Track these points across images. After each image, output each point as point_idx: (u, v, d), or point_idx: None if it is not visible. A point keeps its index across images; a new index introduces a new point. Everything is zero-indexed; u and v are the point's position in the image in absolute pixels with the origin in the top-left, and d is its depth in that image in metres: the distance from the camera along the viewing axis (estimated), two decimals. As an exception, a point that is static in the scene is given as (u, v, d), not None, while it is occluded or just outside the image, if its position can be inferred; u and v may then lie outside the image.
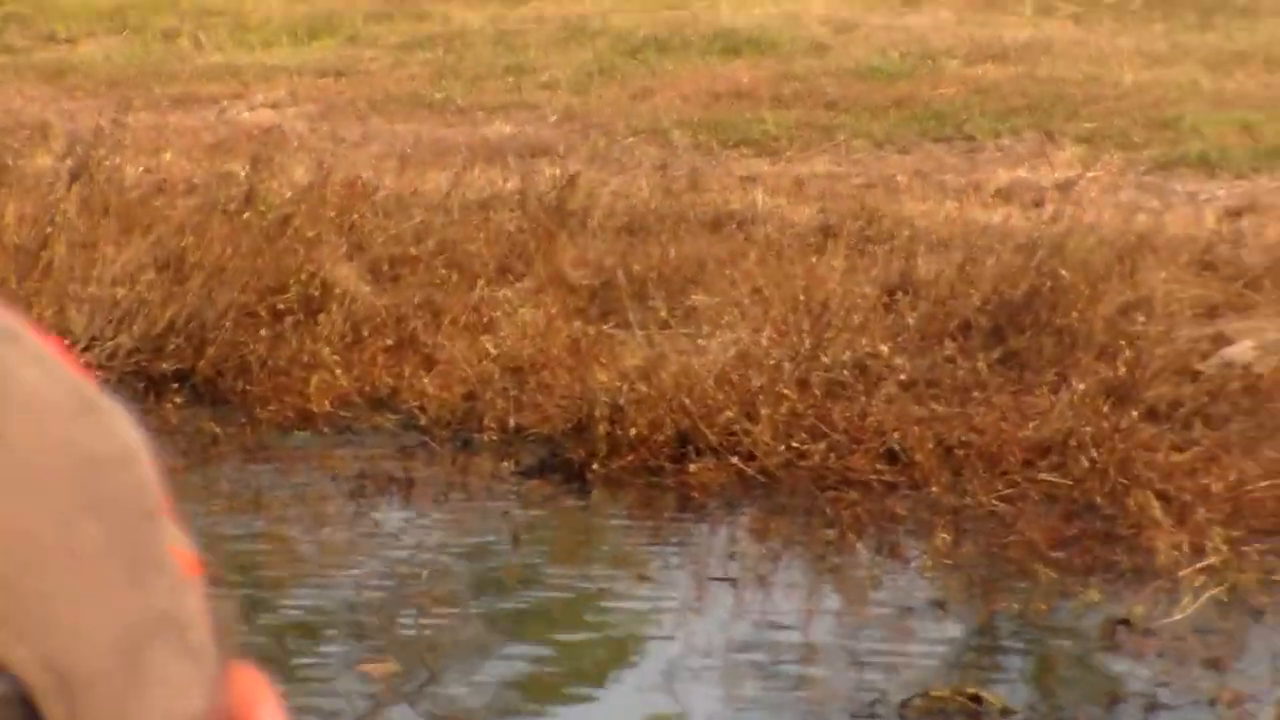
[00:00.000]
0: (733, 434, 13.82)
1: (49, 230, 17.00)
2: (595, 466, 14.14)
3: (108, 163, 18.44)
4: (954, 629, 12.77)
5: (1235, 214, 17.82)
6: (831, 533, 13.22)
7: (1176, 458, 13.35)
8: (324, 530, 15.06)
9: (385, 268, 16.77)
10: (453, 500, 14.73)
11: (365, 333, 15.57)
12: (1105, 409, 13.56)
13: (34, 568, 0.66)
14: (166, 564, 0.71)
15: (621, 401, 14.22)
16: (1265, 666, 11.39)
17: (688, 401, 14.08)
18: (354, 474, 14.77)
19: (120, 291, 16.18)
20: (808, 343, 14.15)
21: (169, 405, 15.19)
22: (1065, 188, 18.08)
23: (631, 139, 21.02)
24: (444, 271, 16.38)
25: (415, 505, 14.58)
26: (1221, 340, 14.70)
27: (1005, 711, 11.23)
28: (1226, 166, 19.14)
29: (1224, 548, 11.87)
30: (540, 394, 15.03)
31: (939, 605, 12.39)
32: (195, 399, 15.56)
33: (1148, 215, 17.52)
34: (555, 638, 13.89)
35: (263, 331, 15.69)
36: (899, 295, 15.33)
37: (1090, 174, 18.57)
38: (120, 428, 0.72)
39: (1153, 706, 11.37)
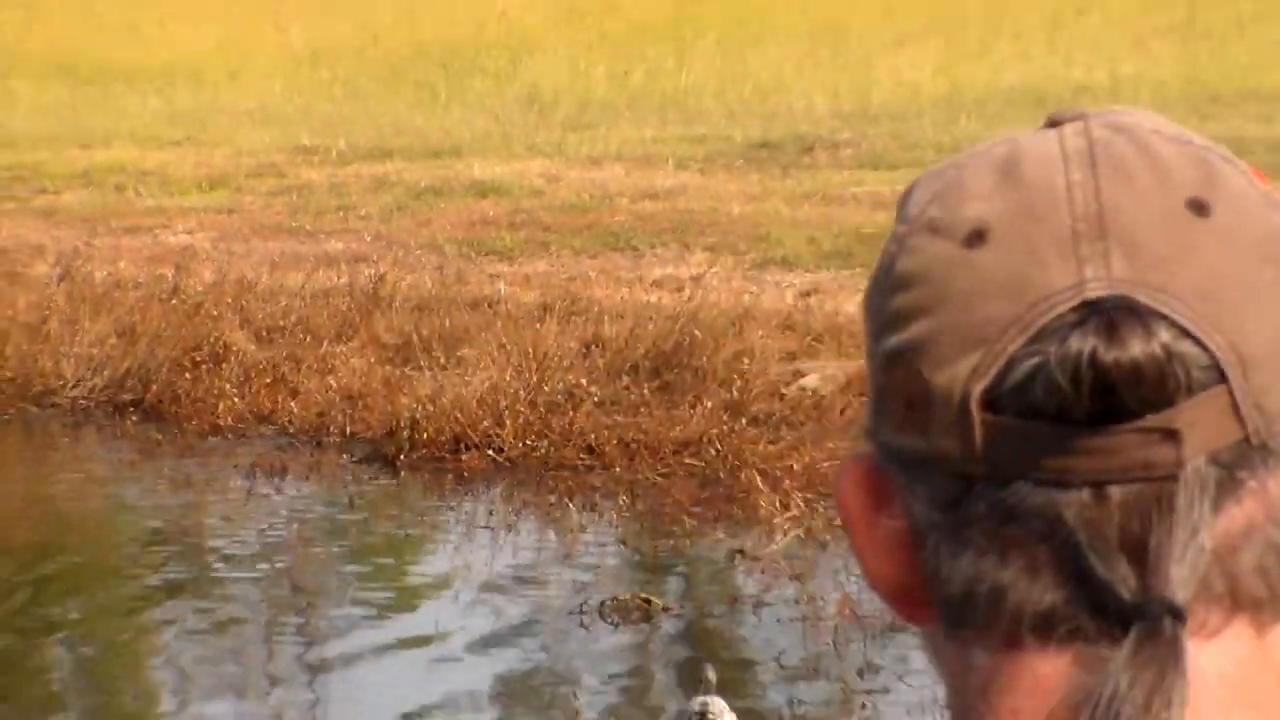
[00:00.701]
0: (489, 436, 20.39)
1: (46, 312, 25.07)
2: (402, 458, 20.75)
3: (84, 269, 27.12)
4: (633, 557, 18.48)
5: (806, 294, 24.97)
6: (553, 498, 19.28)
7: (771, 448, 19.29)
8: (230, 500, 20.81)
9: (264, 334, 24.19)
10: (311, 480, 21.02)
11: (252, 375, 22.93)
12: (725, 418, 19.99)
13: (1228, 289, 1.29)
14: None
15: (418, 416, 21.00)
16: (829, 580, 16.46)
17: (459, 415, 20.75)
18: (248, 464, 21.15)
19: (94, 351, 23.82)
20: (534, 378, 21.00)
21: (128, 422, 22.86)
22: (697, 280, 24.80)
23: (419, 251, 27.57)
24: (301, 336, 23.55)
25: (288, 484, 20.84)
26: (798, 374, 21.50)
27: (666, 609, 16.46)
28: (800, 264, 26.31)
29: (802, 504, 17.50)
30: (365, 412, 21.59)
31: (622, 541, 18.67)
32: (145, 418, 22.85)
33: (750, 296, 24.28)
34: (379, 564, 19.69)
35: (187, 375, 23.01)
36: (592, 348, 22.45)
37: (713, 270, 25.49)
38: None
39: (759, 605, 16.59)
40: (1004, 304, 1.35)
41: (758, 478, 18.19)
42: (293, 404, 22.00)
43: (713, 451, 19.48)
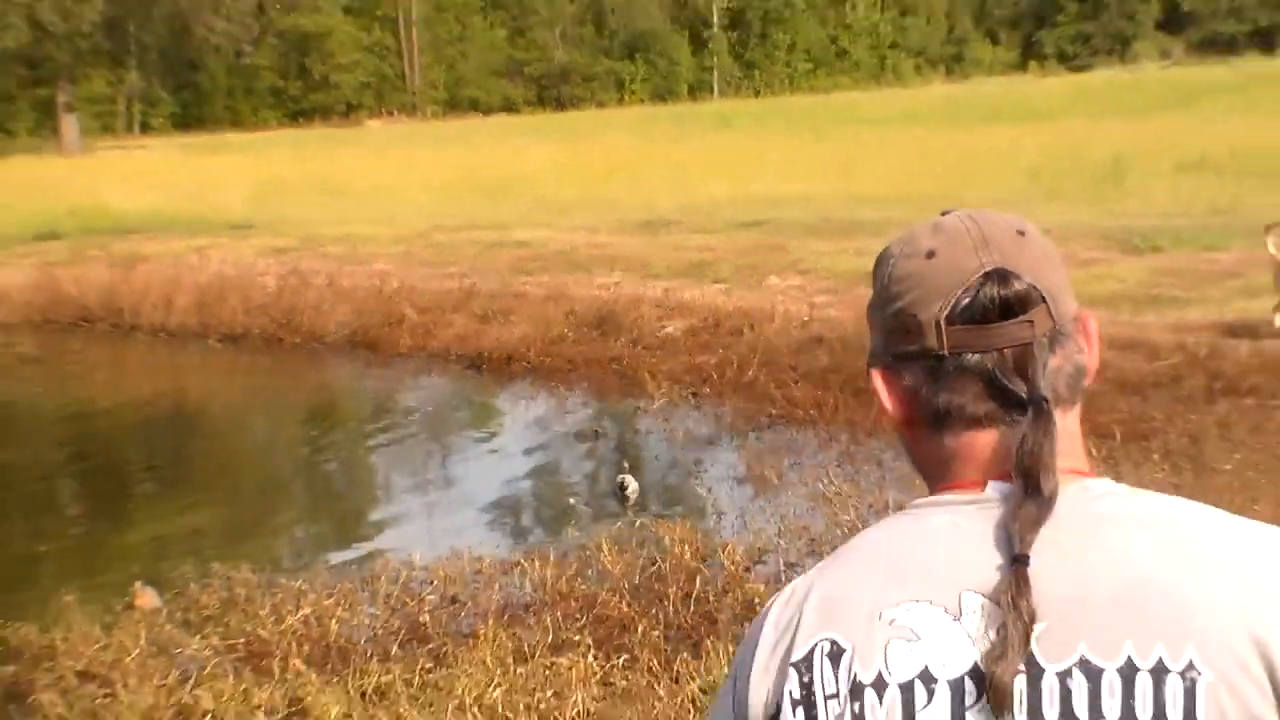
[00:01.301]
0: (524, 354, 28.11)
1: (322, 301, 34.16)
2: (483, 366, 28.69)
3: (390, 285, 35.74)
4: (592, 411, 25.44)
5: (666, 290, 31.74)
6: (554, 385, 27.08)
7: (652, 360, 26.05)
8: (401, 383, 29.65)
9: (421, 309, 32.38)
10: (436, 374, 29.55)
11: (415, 329, 31.59)
12: (630, 347, 27.69)
13: (1037, 266, 2.91)
14: None
15: (490, 346, 29.09)
16: (683, 421, 22.70)
17: (510, 344, 28.86)
18: (416, 369, 29.68)
19: (343, 317, 33.17)
20: (545, 328, 29.13)
21: (358, 352, 31.60)
22: (617, 285, 33.14)
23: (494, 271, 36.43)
24: (436, 311, 32.06)
25: (432, 378, 29.54)
26: (664, 326, 28.06)
27: (602, 433, 23.57)
28: (663, 277, 33.79)
29: (666, 385, 24.66)
30: (463, 345, 29.85)
31: (585, 404, 25.81)
32: (364, 349, 31.36)
33: (640, 290, 32.57)
34: (475, 413, 27.54)
35: (386, 329, 32.07)
36: (569, 314, 30.20)
37: (621, 280, 34.05)
38: None
39: (650, 432, 23.24)
40: (950, 278, 2.96)
41: (647, 374, 25.70)
42: (433, 341, 30.16)
43: (625, 361, 27.06)
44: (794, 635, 2.90)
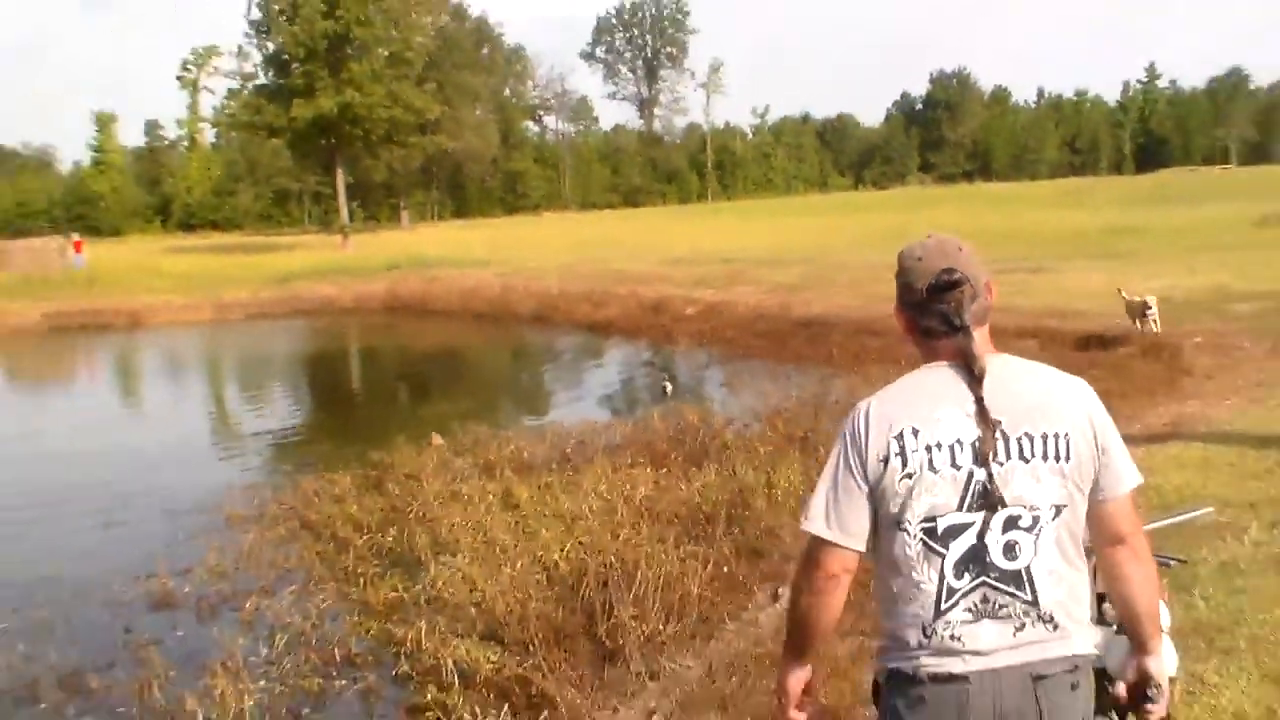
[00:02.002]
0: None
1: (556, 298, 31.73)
2: (599, 328, 27.41)
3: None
4: (645, 353, 24.47)
5: (697, 284, 29.49)
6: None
7: (676, 324, 26.93)
8: (574, 343, 28.00)
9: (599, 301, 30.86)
10: (580, 333, 27.63)
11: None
12: (662, 320, 27.90)
13: (970, 267, 3.19)
14: None
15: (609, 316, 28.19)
16: (693, 362, 24.77)
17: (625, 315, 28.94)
18: (605, 327, 28.68)
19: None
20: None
21: (583, 327, 30.23)
22: (662, 280, 31.79)
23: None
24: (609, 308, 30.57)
25: (599, 339, 27.79)
26: (690, 305, 28.11)
27: (654, 362, 22.97)
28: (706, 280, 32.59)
29: (689, 337, 24.67)
30: (623, 322, 28.50)
31: (638, 348, 27.20)
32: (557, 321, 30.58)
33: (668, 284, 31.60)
34: (578, 356, 25.83)
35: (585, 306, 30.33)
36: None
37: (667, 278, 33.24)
38: None
39: (674, 359, 23.57)
40: (928, 271, 3.19)
41: (677, 334, 25.11)
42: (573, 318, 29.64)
43: (666, 327, 25.98)
44: (887, 424, 3.13)
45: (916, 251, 3.24)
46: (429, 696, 6.95)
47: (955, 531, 3.08)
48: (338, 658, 7.78)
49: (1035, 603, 3.08)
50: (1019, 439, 3.09)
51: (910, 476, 3.08)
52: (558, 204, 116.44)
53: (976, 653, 3.06)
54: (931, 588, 3.09)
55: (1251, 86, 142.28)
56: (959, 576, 3.08)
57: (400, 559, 9.54)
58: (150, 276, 42.64)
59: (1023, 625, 3.08)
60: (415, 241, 59.61)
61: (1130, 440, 9.29)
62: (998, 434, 3.08)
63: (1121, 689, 4.75)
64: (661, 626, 7.49)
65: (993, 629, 3.07)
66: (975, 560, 3.07)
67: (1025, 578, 3.08)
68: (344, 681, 7.48)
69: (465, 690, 6.90)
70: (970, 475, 3.07)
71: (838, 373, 17.45)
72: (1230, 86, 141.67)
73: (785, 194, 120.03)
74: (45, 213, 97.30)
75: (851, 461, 3.14)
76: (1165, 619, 4.74)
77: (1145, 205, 46.59)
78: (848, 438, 3.15)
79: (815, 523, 3.14)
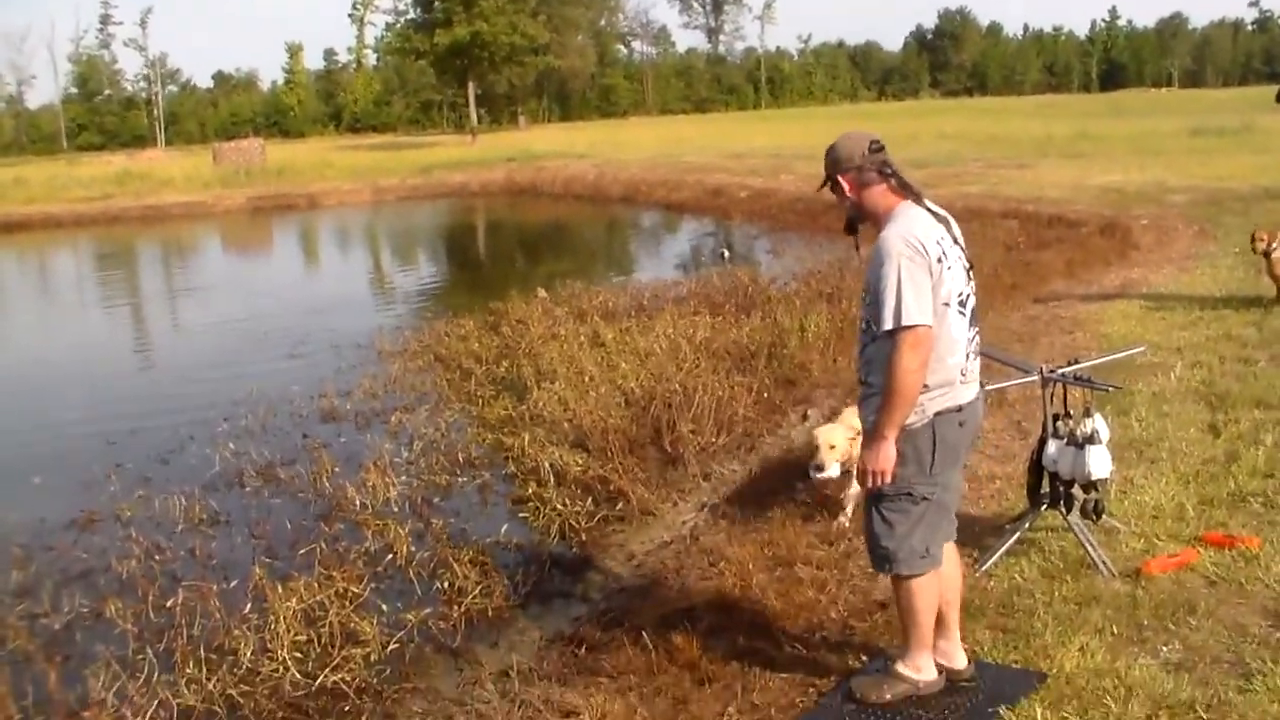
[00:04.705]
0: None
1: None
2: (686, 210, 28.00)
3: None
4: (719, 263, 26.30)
5: None
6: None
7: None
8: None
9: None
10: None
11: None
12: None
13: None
14: None
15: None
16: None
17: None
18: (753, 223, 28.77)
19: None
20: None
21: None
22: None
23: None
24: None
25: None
26: None
27: (724, 253, 25.62)
28: None
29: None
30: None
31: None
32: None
33: None
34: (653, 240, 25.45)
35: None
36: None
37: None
38: None
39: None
40: (859, 143, 3.69)
41: (734, 211, 24.41)
42: (653, 198, 29.06)
43: (725, 207, 25.13)
44: (925, 240, 3.54)
45: (844, 139, 3.71)
46: (530, 490, 7.01)
47: (965, 299, 3.60)
48: (461, 460, 7.86)
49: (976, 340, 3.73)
50: (959, 245, 3.67)
51: (944, 267, 3.51)
52: (641, 111, 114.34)
53: (971, 384, 3.66)
54: (963, 340, 3.58)
55: (1190, 27, 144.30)
56: (969, 329, 3.62)
57: (510, 385, 9.60)
58: (324, 168, 42.94)
59: (975, 359, 3.70)
60: (528, 140, 59.26)
61: (1087, 298, 10.34)
62: (956, 241, 3.67)
63: (1077, 490, 4.86)
64: (714, 439, 7.57)
65: (975, 364, 3.70)
66: (971, 317, 3.63)
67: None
68: (465, 479, 7.55)
69: (558, 486, 6.95)
70: (959, 262, 3.60)
71: (860, 243, 17.23)
72: (1174, 26, 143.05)
73: (823, 104, 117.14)
74: (250, 121, 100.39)
75: (920, 266, 3.45)
76: (1104, 433, 4.84)
77: (1105, 117, 45.91)
78: (913, 254, 3.46)
79: (918, 315, 3.40)
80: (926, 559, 3.72)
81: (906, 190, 3.64)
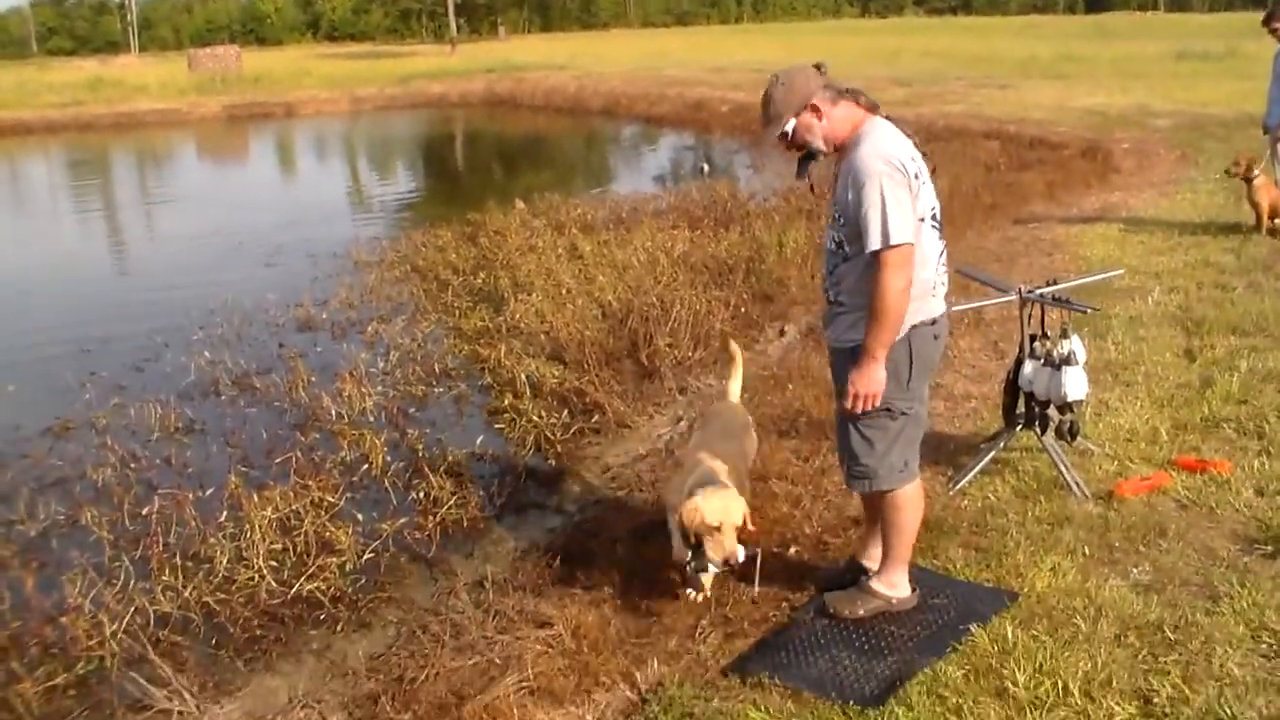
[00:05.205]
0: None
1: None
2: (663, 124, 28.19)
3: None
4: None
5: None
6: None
7: None
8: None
9: None
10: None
11: None
12: None
13: None
14: None
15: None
16: None
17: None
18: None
19: None
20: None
21: None
22: None
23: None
24: None
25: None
26: None
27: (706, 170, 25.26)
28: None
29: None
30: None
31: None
32: None
33: None
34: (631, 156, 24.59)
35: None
36: None
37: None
38: None
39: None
40: (809, 71, 3.62)
41: (715, 127, 24.89)
42: (633, 111, 29.17)
43: (706, 121, 25.08)
44: (904, 156, 3.50)
45: (788, 78, 3.63)
46: (506, 402, 6.99)
47: (936, 213, 3.58)
48: (437, 371, 7.84)
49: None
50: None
51: (921, 183, 3.49)
52: (623, 22, 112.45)
53: (940, 296, 3.65)
54: (934, 254, 3.56)
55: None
56: (939, 242, 3.61)
57: (487, 296, 9.54)
58: (302, 77, 42.52)
59: (945, 270, 3.70)
60: (508, 50, 58.66)
61: (1066, 221, 10.12)
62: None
63: (1053, 411, 4.85)
64: (690, 353, 7.56)
65: (945, 275, 3.68)
66: (940, 229, 3.62)
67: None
68: (441, 389, 7.54)
69: (535, 398, 6.94)
70: (929, 180, 3.58)
71: (813, 184, 17.17)
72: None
73: (805, 19, 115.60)
74: (226, 28, 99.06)
75: (900, 184, 3.38)
76: (1081, 355, 4.83)
77: (1090, 39, 45.58)
78: (893, 171, 3.39)
79: (904, 234, 3.35)
80: (904, 473, 3.75)
81: (871, 105, 3.60)
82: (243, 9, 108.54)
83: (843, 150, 3.57)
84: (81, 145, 29.16)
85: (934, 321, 3.61)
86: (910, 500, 3.82)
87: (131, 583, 4.82)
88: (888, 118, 3.61)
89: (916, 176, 3.46)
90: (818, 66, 3.60)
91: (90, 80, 41.82)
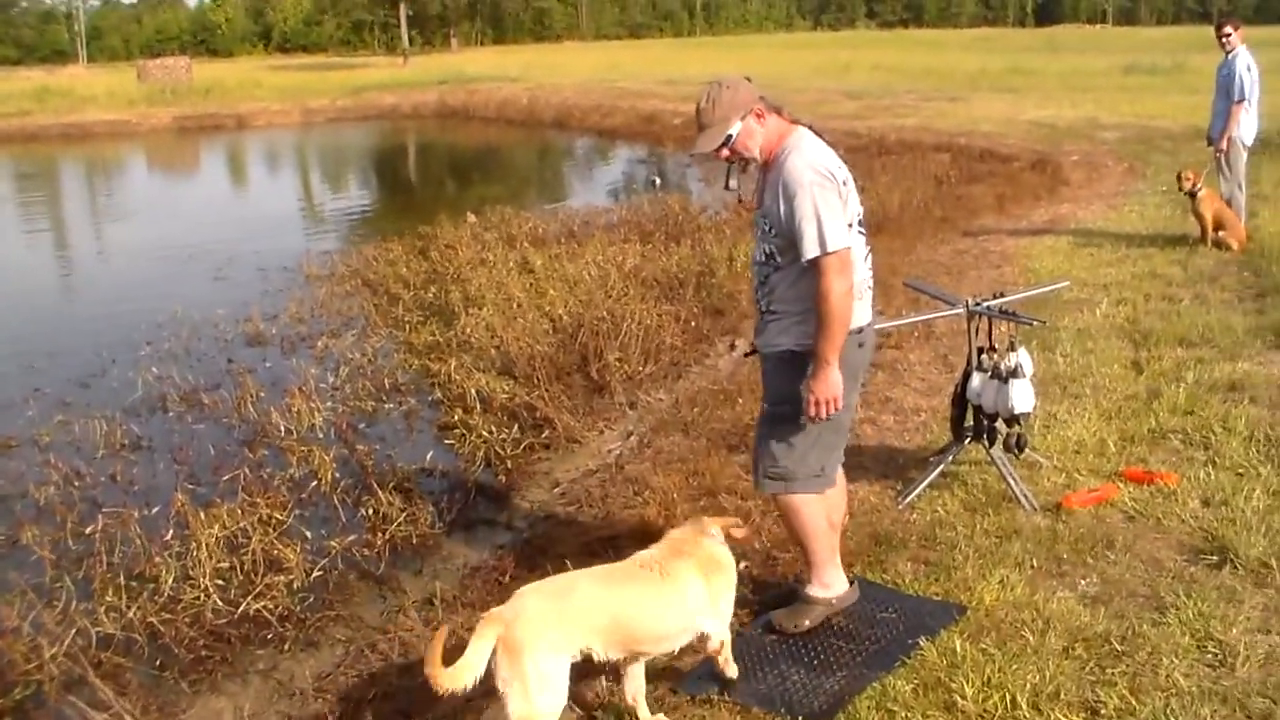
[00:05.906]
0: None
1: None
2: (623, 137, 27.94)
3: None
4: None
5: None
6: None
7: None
8: None
9: None
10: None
11: None
12: None
13: None
14: None
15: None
16: None
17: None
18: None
19: None
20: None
21: None
22: None
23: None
24: None
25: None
26: None
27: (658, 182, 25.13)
28: None
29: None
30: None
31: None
32: None
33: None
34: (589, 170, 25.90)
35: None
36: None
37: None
38: None
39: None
40: (744, 83, 3.60)
41: (667, 140, 24.17)
42: (585, 124, 29.32)
43: (659, 134, 24.76)
44: (832, 164, 3.55)
45: (726, 89, 3.59)
46: (456, 417, 6.96)
47: (862, 219, 3.64)
48: (387, 386, 7.81)
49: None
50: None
51: (849, 190, 3.54)
52: (576, 35, 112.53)
53: (867, 300, 3.66)
54: (860, 257, 3.58)
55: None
56: (864, 246, 3.66)
57: (438, 310, 9.50)
58: (253, 88, 42.34)
59: (869, 273, 3.73)
60: (461, 62, 58.58)
61: (1016, 233, 10.14)
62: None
63: (1001, 424, 4.86)
64: (641, 368, 7.57)
65: (869, 277, 3.70)
66: (864, 233, 3.67)
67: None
68: (391, 405, 7.51)
69: (485, 413, 6.90)
70: (854, 186, 3.61)
71: (741, 195, 17.38)
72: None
73: (758, 32, 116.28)
74: (176, 39, 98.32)
75: (831, 191, 3.43)
76: (1028, 367, 4.84)
77: (1039, 53, 46.53)
78: (823, 180, 3.43)
79: (841, 239, 3.41)
80: (821, 478, 3.77)
81: (793, 119, 3.65)
82: (193, 19, 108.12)
83: (771, 162, 3.58)
84: (28, 156, 28.78)
85: (860, 330, 3.60)
86: (811, 503, 3.82)
87: (73, 603, 4.72)
88: (810, 127, 3.64)
89: (845, 183, 3.51)
90: (748, 79, 3.63)
91: (37, 90, 41.40)
